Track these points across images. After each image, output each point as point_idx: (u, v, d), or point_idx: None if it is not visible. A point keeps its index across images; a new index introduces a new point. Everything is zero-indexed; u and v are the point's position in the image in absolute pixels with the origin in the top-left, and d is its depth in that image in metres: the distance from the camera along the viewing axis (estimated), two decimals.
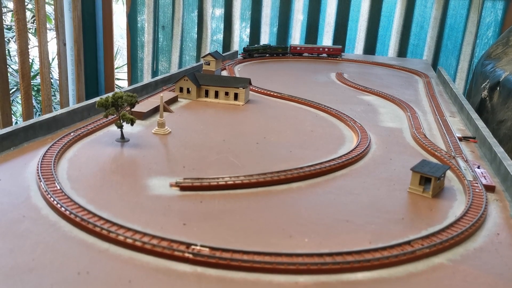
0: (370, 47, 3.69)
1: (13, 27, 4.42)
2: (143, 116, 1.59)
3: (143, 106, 1.66)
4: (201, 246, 0.83)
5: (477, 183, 1.16)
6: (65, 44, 3.73)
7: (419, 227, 0.97)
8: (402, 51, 3.64)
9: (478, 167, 1.27)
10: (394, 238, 0.91)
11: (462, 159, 1.33)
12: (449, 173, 1.25)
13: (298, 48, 3.06)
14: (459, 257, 0.87)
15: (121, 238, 0.84)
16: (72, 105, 1.55)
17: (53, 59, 4.47)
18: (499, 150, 1.32)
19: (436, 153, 1.38)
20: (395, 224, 0.98)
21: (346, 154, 1.34)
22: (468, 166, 1.27)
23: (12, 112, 3.31)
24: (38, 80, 4.55)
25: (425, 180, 1.12)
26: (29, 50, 3.23)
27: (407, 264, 0.84)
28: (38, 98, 4.57)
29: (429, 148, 1.42)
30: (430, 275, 0.82)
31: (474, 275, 0.82)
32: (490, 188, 1.15)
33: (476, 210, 1.02)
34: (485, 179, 1.19)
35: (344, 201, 1.08)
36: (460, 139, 1.54)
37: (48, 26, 3.81)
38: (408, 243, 0.88)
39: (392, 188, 1.16)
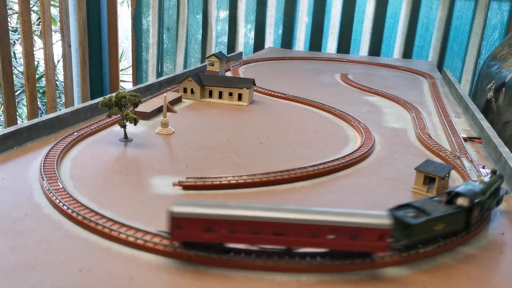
0: (375, 48, 3.68)
1: (18, 29, 4.44)
2: (147, 116, 1.59)
3: (146, 106, 1.66)
4: None
5: None
6: (70, 46, 3.74)
7: None
8: (407, 53, 3.63)
9: (483, 167, 1.26)
10: None
11: (467, 159, 1.31)
12: (453, 173, 1.24)
13: None
14: (464, 256, 0.87)
15: (122, 236, 0.84)
16: (76, 105, 1.55)
17: (58, 61, 4.48)
18: (505, 150, 1.31)
19: (441, 153, 1.37)
20: None
21: (350, 154, 1.33)
22: (473, 166, 1.26)
23: (18, 114, 3.32)
24: (43, 82, 4.57)
25: (429, 180, 1.11)
26: (34, 52, 3.25)
27: (412, 263, 0.83)
28: (43, 100, 4.59)
29: (434, 148, 1.41)
30: (435, 274, 0.81)
31: (478, 274, 0.81)
32: None
33: None
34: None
35: (348, 201, 1.08)
36: (465, 139, 1.53)
37: (53, 28, 3.83)
38: None
39: (396, 188, 1.15)
